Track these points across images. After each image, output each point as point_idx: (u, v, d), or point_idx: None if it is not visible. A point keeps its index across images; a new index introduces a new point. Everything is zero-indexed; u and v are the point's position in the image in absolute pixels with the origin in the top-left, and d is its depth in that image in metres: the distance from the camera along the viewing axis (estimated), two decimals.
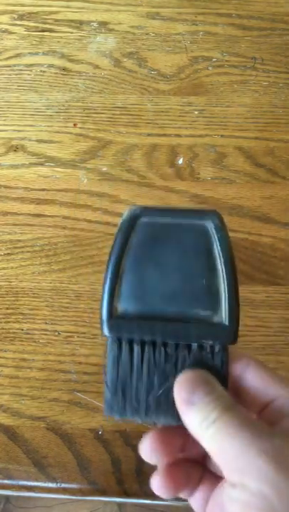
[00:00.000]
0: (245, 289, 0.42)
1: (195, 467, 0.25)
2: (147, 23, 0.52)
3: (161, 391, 0.23)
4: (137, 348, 0.23)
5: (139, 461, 0.37)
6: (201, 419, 0.20)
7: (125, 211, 0.25)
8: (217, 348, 0.23)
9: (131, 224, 0.24)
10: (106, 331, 0.23)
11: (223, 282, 0.23)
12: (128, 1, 0.53)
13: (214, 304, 0.23)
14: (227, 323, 0.23)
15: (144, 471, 0.37)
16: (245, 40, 0.51)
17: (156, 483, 0.23)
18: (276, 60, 0.51)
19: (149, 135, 0.47)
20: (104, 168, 0.46)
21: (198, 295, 0.23)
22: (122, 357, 0.23)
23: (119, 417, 0.23)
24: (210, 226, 0.24)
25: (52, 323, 0.41)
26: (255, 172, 0.46)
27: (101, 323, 0.24)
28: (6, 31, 0.52)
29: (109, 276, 0.24)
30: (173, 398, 0.22)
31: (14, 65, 0.51)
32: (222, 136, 0.47)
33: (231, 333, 0.23)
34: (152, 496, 0.36)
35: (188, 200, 0.45)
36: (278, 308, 0.41)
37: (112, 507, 0.88)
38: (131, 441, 0.37)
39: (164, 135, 0.47)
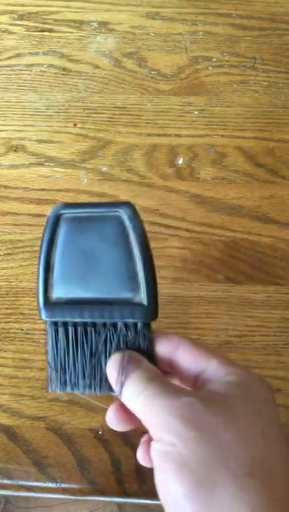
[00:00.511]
0: (245, 289, 0.42)
1: None
2: (147, 23, 0.52)
3: (93, 367, 0.26)
4: (70, 329, 0.26)
5: None
6: (131, 392, 0.24)
7: (50, 209, 0.27)
8: (139, 326, 0.26)
9: (55, 220, 0.27)
10: (43, 316, 0.27)
11: (140, 266, 0.26)
12: (128, 1, 0.53)
13: (134, 286, 0.26)
14: (146, 302, 0.26)
15: (144, 471, 0.37)
16: (245, 40, 0.51)
17: (140, 455, 0.27)
18: (276, 60, 0.51)
19: (149, 135, 0.47)
20: (104, 168, 0.46)
21: (120, 279, 0.26)
22: (59, 338, 0.26)
23: (61, 392, 0.26)
24: (124, 216, 0.26)
25: None
26: (255, 172, 0.46)
27: (38, 309, 0.27)
28: (6, 31, 0.52)
29: (40, 269, 0.27)
30: (105, 372, 0.26)
31: (14, 65, 0.51)
32: (222, 136, 0.47)
33: (150, 311, 0.26)
34: (152, 495, 0.36)
35: (188, 200, 0.45)
36: (278, 308, 0.41)
37: (112, 507, 0.88)
38: (131, 441, 0.37)
39: (164, 135, 0.47)
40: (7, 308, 0.41)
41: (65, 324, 0.26)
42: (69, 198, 0.45)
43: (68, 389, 0.26)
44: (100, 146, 0.47)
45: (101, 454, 0.37)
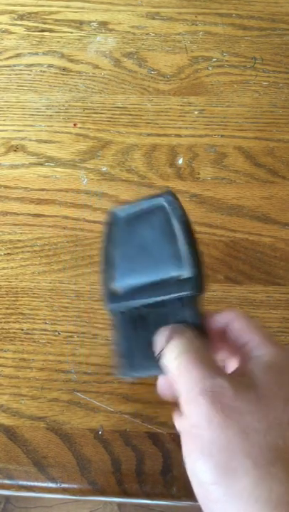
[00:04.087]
0: (245, 289, 0.42)
1: None
2: (147, 23, 0.52)
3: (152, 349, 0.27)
4: (132, 315, 0.28)
5: (139, 461, 0.37)
6: (170, 356, 0.24)
7: (107, 214, 0.30)
8: (188, 299, 0.27)
9: (111, 223, 0.30)
10: (110, 307, 0.29)
11: (184, 244, 0.27)
12: (128, 1, 0.53)
13: (181, 264, 0.27)
14: (192, 276, 0.27)
15: (144, 471, 0.37)
16: (245, 40, 0.51)
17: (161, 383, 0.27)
18: (276, 60, 0.51)
19: (149, 135, 0.47)
20: (104, 168, 0.46)
21: (169, 260, 0.28)
22: (124, 325, 0.28)
23: (130, 377, 0.29)
24: (165, 203, 0.29)
25: (52, 323, 0.41)
26: (255, 172, 0.46)
27: (104, 302, 0.29)
28: (6, 31, 0.52)
29: (103, 267, 0.29)
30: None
31: (14, 65, 0.51)
32: (222, 136, 0.47)
33: (196, 284, 0.27)
34: (152, 495, 0.36)
35: (188, 200, 0.45)
36: (278, 308, 0.41)
37: (112, 507, 0.88)
38: (131, 441, 0.37)
39: (164, 135, 0.47)
40: (7, 308, 0.41)
41: (129, 311, 0.28)
42: (69, 198, 0.45)
43: (135, 373, 0.28)
44: (100, 146, 0.47)
45: (101, 454, 0.37)
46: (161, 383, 0.27)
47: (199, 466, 0.21)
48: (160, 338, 0.26)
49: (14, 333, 0.41)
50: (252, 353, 0.25)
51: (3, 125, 0.48)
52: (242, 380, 0.22)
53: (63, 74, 0.50)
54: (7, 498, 0.90)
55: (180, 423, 0.23)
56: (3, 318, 0.41)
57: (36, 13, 0.53)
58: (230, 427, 0.20)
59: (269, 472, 0.19)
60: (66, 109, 0.48)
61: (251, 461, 0.20)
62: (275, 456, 0.20)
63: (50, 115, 0.48)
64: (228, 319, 0.27)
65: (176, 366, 0.24)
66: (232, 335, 0.26)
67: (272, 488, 0.19)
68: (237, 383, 0.22)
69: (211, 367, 0.23)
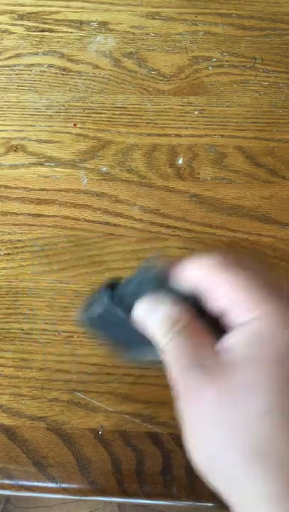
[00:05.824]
0: None
1: None
2: (147, 23, 0.52)
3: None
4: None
5: (139, 461, 0.37)
6: (165, 330, 0.21)
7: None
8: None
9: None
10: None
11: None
12: (128, 1, 0.53)
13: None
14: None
15: (144, 471, 0.37)
16: (245, 40, 0.51)
17: None
18: (276, 60, 0.51)
19: (149, 135, 0.47)
20: (104, 168, 0.46)
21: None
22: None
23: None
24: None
25: (52, 323, 0.41)
26: (255, 172, 0.46)
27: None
28: (6, 31, 0.52)
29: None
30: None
31: (14, 65, 0.50)
32: (222, 136, 0.47)
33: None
34: (152, 495, 0.36)
35: (188, 200, 0.45)
36: None
37: (112, 507, 0.89)
38: (131, 441, 0.37)
39: (164, 135, 0.47)
40: (7, 308, 0.41)
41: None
42: (69, 198, 0.45)
43: (136, 357, 0.27)
44: (100, 146, 0.47)
45: (101, 454, 0.37)
46: None
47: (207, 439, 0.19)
48: (145, 301, 0.22)
49: (14, 333, 0.41)
50: (238, 314, 0.19)
51: (3, 125, 0.48)
52: (217, 367, 0.19)
53: (63, 74, 0.50)
54: (7, 498, 0.90)
55: None
56: (3, 318, 0.41)
57: (36, 13, 0.53)
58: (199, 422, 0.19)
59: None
60: (66, 109, 0.48)
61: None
62: (257, 454, 0.17)
63: (50, 115, 0.48)
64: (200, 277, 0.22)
65: (170, 347, 0.21)
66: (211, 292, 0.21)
67: None
68: (213, 370, 0.19)
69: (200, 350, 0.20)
